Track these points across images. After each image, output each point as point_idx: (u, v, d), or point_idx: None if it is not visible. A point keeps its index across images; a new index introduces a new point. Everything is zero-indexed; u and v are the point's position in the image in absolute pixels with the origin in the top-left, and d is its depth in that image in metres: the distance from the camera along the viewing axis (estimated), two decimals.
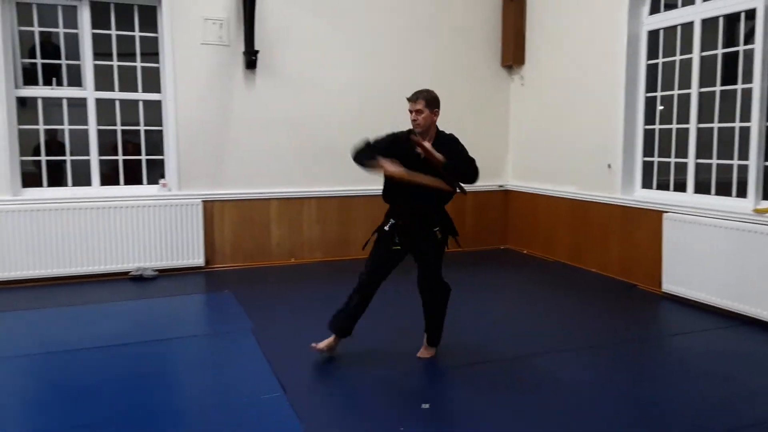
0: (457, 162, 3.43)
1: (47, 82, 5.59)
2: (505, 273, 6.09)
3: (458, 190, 3.55)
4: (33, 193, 5.52)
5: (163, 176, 5.93)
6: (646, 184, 5.47)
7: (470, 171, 3.47)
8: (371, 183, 6.51)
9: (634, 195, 5.49)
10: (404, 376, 3.46)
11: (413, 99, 3.51)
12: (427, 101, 3.48)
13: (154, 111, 5.89)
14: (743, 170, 4.56)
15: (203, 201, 5.86)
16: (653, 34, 5.36)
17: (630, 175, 5.53)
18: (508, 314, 4.65)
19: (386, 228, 3.61)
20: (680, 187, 5.11)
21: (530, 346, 3.91)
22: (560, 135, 6.31)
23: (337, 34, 6.26)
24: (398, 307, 4.50)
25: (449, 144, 3.55)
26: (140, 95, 5.82)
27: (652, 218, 5.13)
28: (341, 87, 6.31)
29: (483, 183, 6.92)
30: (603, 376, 3.47)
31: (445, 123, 6.94)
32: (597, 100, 5.78)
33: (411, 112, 3.50)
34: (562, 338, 4.08)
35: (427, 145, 3.35)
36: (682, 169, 5.08)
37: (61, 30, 5.59)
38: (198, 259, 5.85)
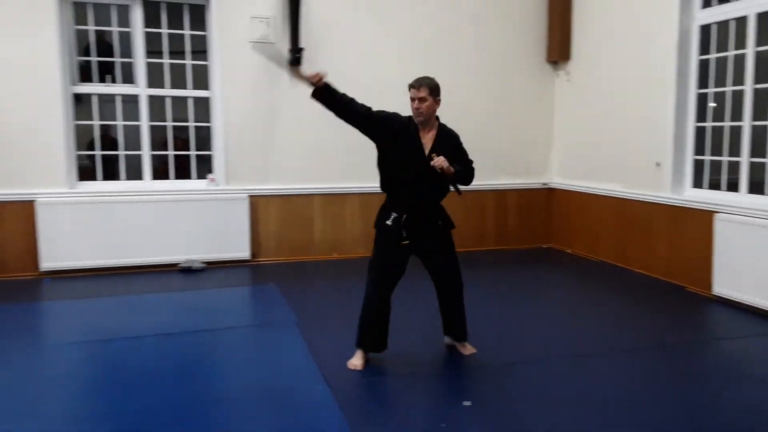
0: (465, 170, 3.48)
1: (102, 79, 5.80)
2: (546, 272, 6.03)
3: (453, 190, 3.50)
4: (88, 186, 5.74)
5: (211, 171, 6.08)
6: (697, 183, 5.33)
7: (471, 175, 3.57)
8: None
9: (684, 194, 5.35)
10: (446, 372, 3.48)
11: (416, 86, 3.37)
12: (430, 89, 3.37)
13: (203, 107, 6.04)
14: None
15: (249, 196, 5.99)
16: (705, 29, 5.21)
17: (680, 173, 5.40)
18: (549, 314, 4.61)
19: (389, 222, 3.45)
20: (733, 186, 4.96)
21: (572, 347, 3.87)
22: (607, 132, 6.20)
23: (380, 30, 6.29)
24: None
25: (454, 142, 3.52)
26: (190, 92, 5.98)
27: (703, 218, 4.99)
28: (384, 82, 6.32)
29: (526, 181, 6.96)
30: (647, 380, 3.41)
31: (487, 119, 6.98)
32: (646, 97, 5.65)
33: (413, 99, 3.38)
34: (605, 340, 4.02)
35: (444, 163, 3.27)
36: (734, 168, 4.93)
37: (115, 29, 5.79)
38: (244, 253, 5.99)
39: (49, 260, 5.46)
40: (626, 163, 5.91)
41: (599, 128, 6.32)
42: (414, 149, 3.39)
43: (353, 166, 6.33)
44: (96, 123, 5.84)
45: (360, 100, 6.18)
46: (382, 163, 3.51)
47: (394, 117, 3.51)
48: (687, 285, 5.20)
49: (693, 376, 3.46)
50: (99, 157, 5.86)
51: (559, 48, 6.66)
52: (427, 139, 3.46)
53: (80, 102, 5.91)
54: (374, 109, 3.57)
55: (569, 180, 6.79)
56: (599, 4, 6.24)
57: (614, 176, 6.06)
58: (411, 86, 3.42)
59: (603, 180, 6.24)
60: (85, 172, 5.90)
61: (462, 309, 3.68)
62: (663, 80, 5.42)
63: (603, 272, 5.84)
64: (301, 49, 5.90)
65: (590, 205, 6.40)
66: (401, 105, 6.63)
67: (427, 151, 3.41)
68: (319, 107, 6.31)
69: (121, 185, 5.86)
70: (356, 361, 3.47)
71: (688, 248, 5.20)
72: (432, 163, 3.29)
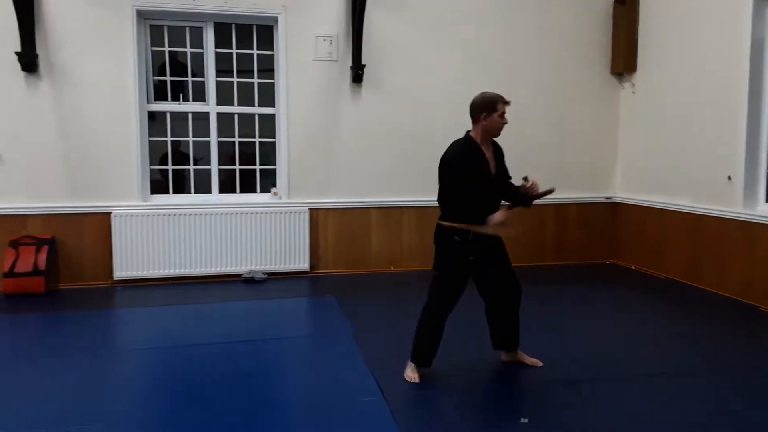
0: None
1: (174, 98, 6.11)
2: (610, 288, 5.86)
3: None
4: (160, 199, 6.04)
5: (274, 185, 6.28)
6: None
7: None
8: None
9: (756, 209, 5.11)
10: (503, 388, 3.45)
11: (508, 102, 3.55)
12: None
13: (268, 123, 6.26)
14: None
15: (310, 209, 6.14)
16: None
17: (752, 187, 5.16)
18: (613, 332, 4.48)
19: (458, 238, 3.43)
20: None
21: (637, 366, 3.75)
22: (674, 145, 6.00)
23: (439, 47, 6.34)
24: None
25: (502, 153, 3.70)
26: (256, 109, 6.21)
27: None
28: (442, 99, 6.37)
29: (589, 195, 6.80)
30: (718, 403, 3.26)
31: (551, 132, 6.89)
32: (716, 109, 5.44)
33: (503, 114, 3.51)
34: (671, 360, 3.88)
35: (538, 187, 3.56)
36: None
37: (188, 49, 6.09)
38: (304, 264, 6.13)
39: (122, 270, 5.76)
40: (695, 177, 5.69)
41: (666, 141, 6.12)
42: (484, 169, 3.48)
43: (409, 180, 6.38)
44: (168, 139, 6.15)
45: (420, 115, 6.35)
46: (456, 192, 3.43)
47: (461, 151, 3.47)
48: (761, 305, 4.94)
49: (762, 401, 3.28)
50: (170, 171, 6.15)
51: (624, 60, 6.52)
52: (489, 155, 3.55)
53: (154, 119, 6.24)
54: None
55: (634, 194, 6.60)
56: (666, 14, 6.07)
57: (683, 190, 5.85)
58: (506, 102, 3.51)
59: (671, 194, 6.03)
60: (157, 186, 6.20)
61: (519, 318, 3.69)
62: (735, 91, 5.21)
63: (671, 289, 5.62)
64: (363, 66, 6.02)
65: (657, 220, 6.19)
66: (461, 120, 6.67)
67: (492, 167, 3.52)
68: (378, 124, 6.40)
69: (191, 198, 6.13)
70: (413, 374, 3.49)
71: (762, 266, 4.94)
72: (528, 185, 3.57)
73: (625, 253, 6.70)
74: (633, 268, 6.50)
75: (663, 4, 6.12)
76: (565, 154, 6.70)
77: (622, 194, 6.78)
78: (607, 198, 6.87)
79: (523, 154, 6.63)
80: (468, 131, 3.58)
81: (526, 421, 2.99)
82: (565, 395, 3.32)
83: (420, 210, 6.42)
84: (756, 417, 3.07)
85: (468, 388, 3.40)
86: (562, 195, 6.70)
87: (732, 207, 5.26)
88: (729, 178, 5.30)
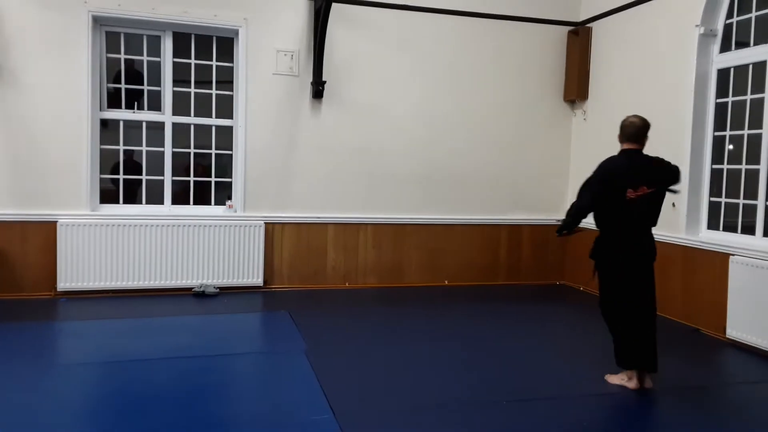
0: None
1: (129, 106, 5.98)
2: (557, 308, 5.98)
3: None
4: (109, 209, 5.87)
5: (230, 198, 6.20)
6: (713, 225, 5.31)
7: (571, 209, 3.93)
8: (426, 212, 6.62)
9: (699, 236, 5.32)
10: (453, 406, 3.46)
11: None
12: None
13: (225, 136, 6.19)
14: None
15: (265, 223, 6.08)
16: (723, 73, 5.25)
17: (695, 215, 5.38)
18: (561, 351, 4.57)
19: (621, 257, 3.67)
20: (748, 229, 4.93)
21: (582, 385, 3.83)
22: None
23: (401, 66, 6.43)
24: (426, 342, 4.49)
25: None
26: (213, 120, 6.14)
27: (718, 261, 4.96)
28: (403, 117, 6.45)
29: (541, 217, 6.96)
30: (661, 420, 3.36)
31: (505, 155, 7.02)
32: (662, 138, 5.65)
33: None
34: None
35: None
36: (751, 211, 4.91)
37: (144, 58, 5.99)
38: (257, 279, 6.05)
39: (67, 281, 5.56)
40: None
41: None
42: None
43: (367, 197, 6.41)
44: (121, 148, 6.01)
45: (379, 133, 6.40)
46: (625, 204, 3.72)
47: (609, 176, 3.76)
48: (702, 327, 5.13)
49: (707, 419, 3.40)
50: (122, 180, 6.00)
51: (576, 87, 6.74)
52: None
53: (106, 127, 6.09)
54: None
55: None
56: (617, 46, 6.32)
57: None
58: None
59: None
60: (108, 195, 6.04)
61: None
62: (680, 122, 5.44)
63: None
64: (323, 82, 6.04)
65: None
66: (422, 138, 6.78)
67: None
68: (338, 140, 6.45)
69: (142, 209, 5.99)
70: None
71: (703, 290, 5.14)
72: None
73: (575, 274, 6.86)
74: (581, 288, 6.67)
75: (614, 36, 6.37)
76: (518, 177, 6.86)
77: None
78: (558, 221, 7.02)
79: (479, 176, 6.78)
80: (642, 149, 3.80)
81: None
82: (510, 412, 3.36)
83: (377, 227, 6.45)
84: None
85: (418, 408, 3.40)
86: (515, 217, 6.89)
87: (675, 233, 5.47)
88: (673, 205, 5.51)
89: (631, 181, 3.61)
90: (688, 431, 3.23)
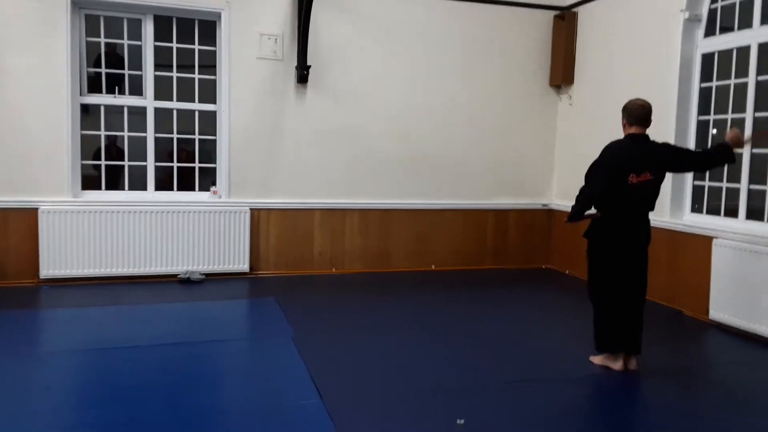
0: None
1: (110, 91, 5.88)
2: (543, 292, 6.02)
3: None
4: (91, 195, 5.79)
5: (214, 183, 6.14)
6: (696, 208, 5.36)
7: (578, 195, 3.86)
8: (412, 197, 6.61)
9: (683, 219, 5.38)
10: (440, 391, 3.48)
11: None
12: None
13: (209, 121, 6.12)
14: None
15: (251, 209, 6.03)
16: (707, 57, 5.27)
17: (679, 198, 5.43)
18: (546, 335, 4.60)
19: (615, 241, 3.67)
20: (731, 212, 4.98)
21: (567, 369, 3.87)
22: None
23: (386, 51, 6.38)
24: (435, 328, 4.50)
25: None
26: (196, 105, 6.06)
27: (701, 244, 5.01)
28: (389, 103, 6.42)
29: (527, 201, 6.99)
30: (645, 402, 3.41)
31: (491, 140, 7.02)
32: None
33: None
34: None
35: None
36: (734, 194, 4.96)
37: (125, 41, 5.88)
38: (243, 265, 6.01)
39: (50, 268, 5.49)
40: None
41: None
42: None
43: (353, 183, 6.39)
44: (102, 133, 5.91)
45: (365, 119, 6.37)
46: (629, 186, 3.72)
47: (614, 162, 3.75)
48: (685, 309, 5.20)
49: (690, 400, 3.45)
50: (104, 166, 5.92)
51: (562, 72, 6.73)
52: None
53: (88, 112, 5.99)
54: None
55: (570, 201, 6.71)
56: (603, 31, 6.32)
57: None
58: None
59: None
60: (90, 182, 5.96)
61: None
62: (664, 106, 5.47)
63: None
64: (308, 67, 5.98)
65: None
66: (407, 123, 6.76)
67: None
68: (323, 125, 6.42)
69: (125, 195, 5.92)
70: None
71: (686, 273, 5.20)
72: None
73: (560, 258, 6.91)
74: (567, 272, 6.72)
75: (600, 21, 6.36)
76: (505, 162, 6.87)
77: (558, 201, 7.00)
78: (544, 205, 7.07)
79: (465, 160, 6.78)
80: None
81: (462, 422, 3.03)
82: (497, 397, 3.39)
83: (364, 212, 6.43)
84: (675, 414, 3.22)
85: (406, 393, 3.41)
86: (501, 201, 6.91)
87: (659, 216, 5.50)
88: None
89: (635, 166, 3.59)
90: (671, 412, 3.28)
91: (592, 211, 3.75)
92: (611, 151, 3.69)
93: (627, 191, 3.59)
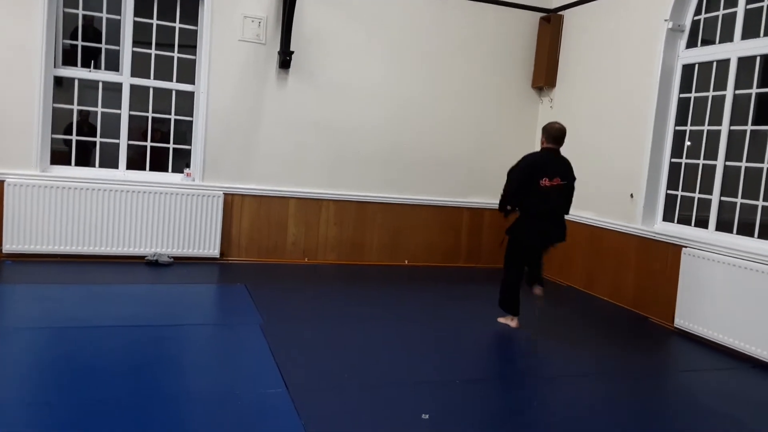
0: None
1: (86, 65, 5.72)
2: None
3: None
4: (60, 170, 5.64)
5: (188, 166, 6.02)
6: (668, 217, 5.43)
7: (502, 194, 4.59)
8: (389, 191, 6.58)
9: (654, 227, 5.44)
10: (406, 386, 3.46)
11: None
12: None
13: (186, 101, 6.00)
14: (767, 212, 4.51)
15: (224, 193, 5.94)
16: (688, 68, 5.33)
17: (652, 206, 5.49)
18: (517, 333, 4.62)
19: (528, 237, 4.43)
20: (702, 223, 5.06)
21: (534, 367, 3.89)
22: (584, 160, 6.25)
23: (371, 42, 6.32)
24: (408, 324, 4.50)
25: None
26: (174, 85, 5.93)
27: (671, 252, 5.08)
28: (370, 95, 6.37)
29: None
30: (604, 405, 3.43)
31: (470, 139, 7.02)
32: (625, 129, 5.76)
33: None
34: (564, 364, 4.05)
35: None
36: (705, 205, 5.03)
37: (104, 15, 5.73)
38: (213, 251, 5.92)
39: (13, 242, 5.34)
40: (601, 192, 5.99)
41: (577, 155, 6.34)
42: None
43: (331, 173, 6.33)
44: (75, 107, 5.76)
45: (346, 108, 6.31)
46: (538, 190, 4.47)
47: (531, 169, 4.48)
48: (651, 316, 5.27)
49: (649, 405, 3.49)
50: (75, 142, 5.76)
51: (545, 74, 6.76)
52: None
53: (61, 86, 5.82)
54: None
55: None
56: (587, 35, 6.36)
57: (588, 204, 6.13)
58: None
59: (577, 207, 6.25)
60: (60, 157, 5.80)
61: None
62: (643, 114, 5.53)
63: (570, 297, 5.89)
64: (291, 52, 5.90)
65: None
66: (388, 117, 6.71)
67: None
68: (303, 113, 6.35)
69: (95, 172, 5.77)
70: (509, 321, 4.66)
71: (655, 280, 5.27)
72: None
73: None
74: None
75: (585, 25, 6.40)
76: (483, 160, 6.87)
77: None
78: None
79: (443, 157, 6.77)
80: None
81: (426, 417, 3.02)
82: (464, 394, 3.38)
83: (339, 204, 6.38)
84: (633, 418, 3.26)
85: (373, 385, 3.39)
86: (477, 200, 6.92)
87: (632, 223, 5.58)
88: (631, 195, 5.61)
89: (547, 172, 4.32)
90: (624, 413, 3.31)
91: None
92: (527, 159, 4.47)
93: (541, 193, 4.31)
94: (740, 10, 4.81)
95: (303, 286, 5.43)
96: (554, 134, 4.45)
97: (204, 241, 5.88)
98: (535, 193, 4.32)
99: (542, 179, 4.31)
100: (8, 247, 5.33)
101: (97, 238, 5.57)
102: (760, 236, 4.56)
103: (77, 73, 5.68)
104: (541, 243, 4.54)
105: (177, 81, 5.94)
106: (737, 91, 4.83)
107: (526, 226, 4.44)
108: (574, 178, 4.55)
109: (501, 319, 4.77)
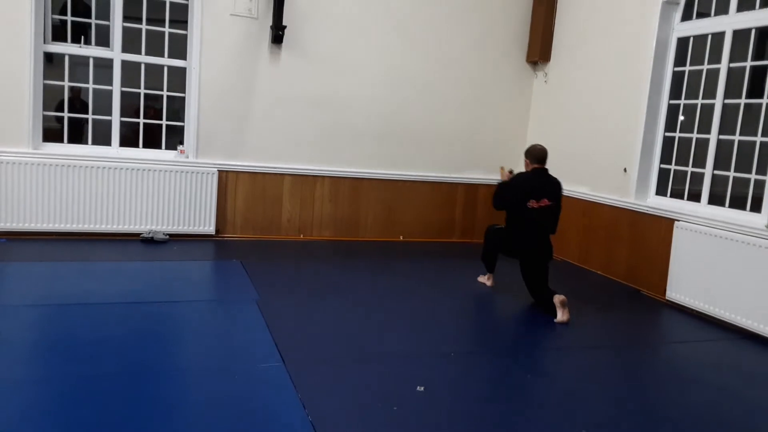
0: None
1: (76, 40, 5.65)
2: (508, 268, 6.08)
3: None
4: (52, 148, 5.60)
5: (181, 143, 5.99)
6: (661, 191, 5.46)
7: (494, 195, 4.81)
8: (384, 167, 6.58)
9: (647, 201, 5.47)
10: (401, 360, 3.51)
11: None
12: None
13: (178, 77, 5.94)
14: (760, 185, 4.54)
15: (219, 170, 5.92)
16: (683, 41, 5.31)
17: (645, 180, 5.52)
18: (508, 308, 4.67)
19: (513, 243, 4.68)
20: (694, 197, 5.09)
21: (528, 340, 3.94)
22: (578, 134, 6.29)
23: (365, 17, 6.26)
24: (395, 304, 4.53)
25: None
26: (166, 60, 5.87)
27: (663, 226, 5.12)
28: (364, 71, 6.32)
29: (497, 176, 6.96)
30: (595, 376, 3.49)
31: (465, 114, 7.00)
32: (619, 103, 5.75)
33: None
34: (557, 336, 4.10)
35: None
36: (698, 179, 5.06)
37: None
38: (209, 227, 5.93)
39: (6, 221, 5.32)
40: (595, 167, 6.01)
41: (571, 130, 6.40)
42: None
43: (326, 149, 6.31)
44: (66, 84, 5.70)
45: (340, 84, 6.27)
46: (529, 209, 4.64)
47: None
48: (644, 289, 5.33)
49: (640, 375, 3.56)
50: (67, 119, 5.71)
51: (539, 49, 6.72)
52: None
53: (51, 62, 5.75)
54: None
55: None
56: (582, 10, 6.31)
57: (582, 178, 6.16)
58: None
59: (571, 181, 6.30)
60: (52, 134, 5.75)
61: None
62: (637, 88, 5.51)
63: (564, 272, 5.94)
64: (283, 27, 5.83)
65: None
66: (382, 92, 6.68)
67: None
68: (297, 89, 6.30)
69: (88, 150, 5.74)
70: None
71: (647, 254, 5.32)
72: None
73: None
74: None
75: None
76: (477, 135, 6.87)
77: None
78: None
79: (438, 133, 6.75)
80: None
81: (422, 389, 3.06)
82: (456, 365, 3.43)
83: (335, 180, 6.38)
84: (624, 388, 3.32)
85: (368, 359, 3.43)
86: (472, 175, 6.92)
87: (625, 197, 5.61)
88: (625, 170, 5.63)
89: (535, 194, 4.49)
90: (615, 384, 3.37)
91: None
92: (519, 180, 4.64)
93: (528, 214, 4.49)
94: None
95: (298, 262, 5.46)
96: (537, 155, 4.61)
97: (199, 218, 5.88)
98: (523, 212, 4.52)
99: (529, 201, 4.48)
100: (2, 225, 5.32)
101: (92, 215, 5.56)
102: (751, 209, 4.60)
103: (67, 48, 5.61)
104: (525, 249, 4.61)
105: (169, 56, 5.87)
106: (732, 64, 4.82)
107: (514, 240, 4.66)
108: (559, 195, 4.64)
109: (480, 278, 5.21)
